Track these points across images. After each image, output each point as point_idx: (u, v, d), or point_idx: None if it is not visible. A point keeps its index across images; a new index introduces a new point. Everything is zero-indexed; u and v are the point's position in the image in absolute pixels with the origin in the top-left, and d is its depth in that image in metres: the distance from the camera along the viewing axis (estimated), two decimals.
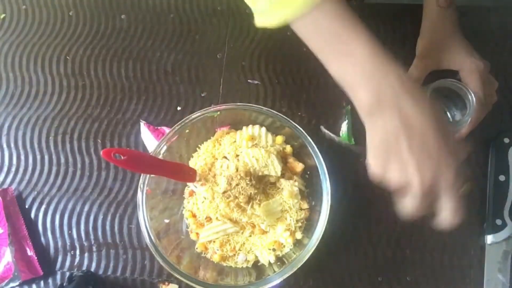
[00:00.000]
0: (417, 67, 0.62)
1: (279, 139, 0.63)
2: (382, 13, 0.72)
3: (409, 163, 0.42)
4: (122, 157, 0.49)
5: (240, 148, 0.62)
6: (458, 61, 0.59)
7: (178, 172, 0.59)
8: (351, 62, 0.43)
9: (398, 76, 0.42)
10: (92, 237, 0.65)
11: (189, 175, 0.60)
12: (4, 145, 0.69)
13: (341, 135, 0.67)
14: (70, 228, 0.65)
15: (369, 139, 0.45)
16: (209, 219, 0.61)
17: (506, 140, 0.64)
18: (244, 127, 0.63)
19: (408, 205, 0.44)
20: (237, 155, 0.62)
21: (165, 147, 0.61)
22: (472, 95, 0.56)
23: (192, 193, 0.64)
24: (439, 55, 0.60)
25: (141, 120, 0.69)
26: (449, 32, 0.60)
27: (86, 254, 0.64)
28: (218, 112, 0.62)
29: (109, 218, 0.66)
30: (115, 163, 0.49)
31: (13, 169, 0.68)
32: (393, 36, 0.70)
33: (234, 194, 0.58)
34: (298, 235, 0.60)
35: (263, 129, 0.62)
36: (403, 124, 0.42)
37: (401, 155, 0.42)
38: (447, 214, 0.43)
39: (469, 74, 0.58)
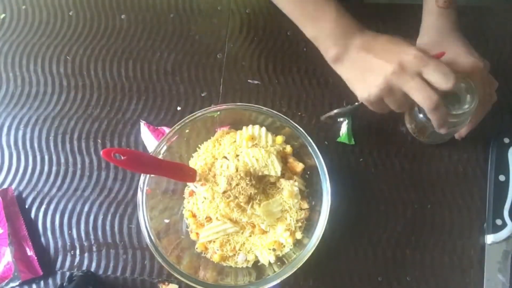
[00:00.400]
0: None
1: (279, 139, 0.63)
2: (382, 13, 0.72)
3: (377, 63, 0.50)
4: (122, 157, 0.49)
5: (240, 148, 0.62)
6: (458, 60, 0.59)
7: (178, 172, 0.59)
8: (322, 26, 0.54)
9: (358, 31, 0.53)
10: (92, 237, 0.65)
11: (189, 175, 0.60)
12: (4, 145, 0.69)
13: (341, 135, 0.67)
14: (70, 228, 0.65)
15: (345, 79, 0.55)
16: (209, 219, 0.61)
17: (506, 140, 0.64)
18: (244, 127, 0.63)
19: (407, 88, 0.49)
20: (237, 155, 0.62)
21: (165, 147, 0.61)
22: (474, 94, 0.55)
23: (192, 193, 0.63)
24: (434, 43, 0.60)
25: (141, 120, 0.69)
26: (448, 31, 0.60)
27: (86, 254, 0.64)
28: (218, 112, 0.62)
29: (109, 218, 0.66)
30: (115, 163, 0.49)
31: (13, 169, 0.68)
32: (393, 36, 0.70)
33: (234, 194, 0.58)
34: (298, 235, 0.60)
35: (263, 129, 0.62)
36: (364, 48, 0.52)
37: (371, 66, 0.51)
38: (437, 81, 0.48)
39: (468, 74, 0.58)
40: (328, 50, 0.54)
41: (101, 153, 0.55)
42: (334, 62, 0.55)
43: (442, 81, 0.48)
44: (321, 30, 0.54)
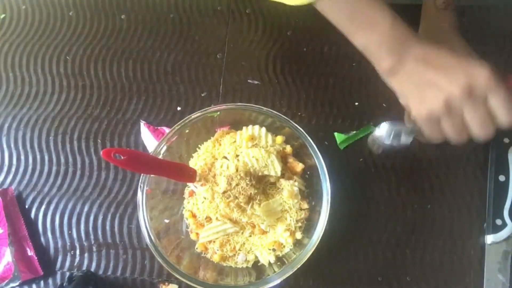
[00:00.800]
0: None
1: (279, 139, 0.63)
2: None
3: (440, 79, 0.44)
4: (122, 157, 0.49)
5: (240, 148, 0.62)
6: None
7: (178, 172, 0.59)
8: (375, 34, 0.48)
9: (416, 40, 0.47)
10: (92, 237, 0.65)
11: (189, 175, 0.60)
12: (4, 145, 0.69)
13: (342, 132, 0.67)
14: (70, 228, 0.65)
15: (399, 93, 0.49)
16: (209, 219, 0.61)
17: (506, 140, 0.64)
18: (244, 127, 0.63)
19: (468, 119, 0.45)
20: (237, 155, 0.62)
21: (165, 147, 0.61)
22: None
23: (192, 193, 0.63)
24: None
25: (141, 120, 0.69)
26: (446, 33, 0.60)
27: (86, 254, 0.64)
28: (218, 112, 0.62)
29: (109, 218, 0.66)
30: (115, 163, 0.49)
31: (13, 169, 0.68)
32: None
33: (234, 194, 0.58)
34: (298, 235, 0.60)
35: (263, 129, 0.62)
36: (422, 61, 0.46)
37: (431, 81, 0.45)
38: (503, 117, 0.43)
39: None
40: (381, 61, 0.48)
41: (101, 153, 0.56)
42: (388, 75, 0.49)
43: (507, 118, 0.43)
44: (373, 39, 0.48)
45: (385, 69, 0.49)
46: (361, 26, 0.49)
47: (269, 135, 0.62)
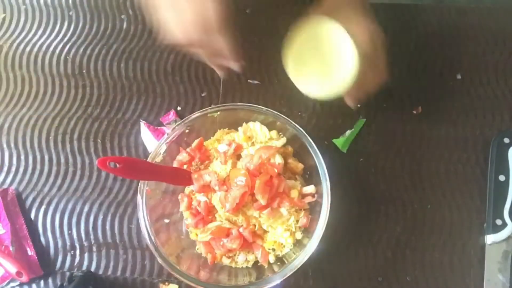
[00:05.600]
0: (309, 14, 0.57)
1: (274, 133, 0.63)
2: (382, 13, 0.72)
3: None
4: (118, 165, 0.49)
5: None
6: (348, 16, 0.55)
7: (174, 177, 0.59)
8: None
9: None
10: (92, 237, 0.65)
11: (185, 178, 0.60)
12: (4, 145, 0.69)
13: (339, 137, 0.67)
14: (70, 228, 0.65)
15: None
16: None
17: (506, 140, 0.64)
18: (239, 128, 0.63)
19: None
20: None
21: (165, 147, 0.61)
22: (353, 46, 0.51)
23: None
24: (331, 8, 0.56)
25: (141, 120, 0.69)
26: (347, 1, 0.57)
27: (86, 254, 0.64)
28: (218, 112, 0.62)
29: (109, 218, 0.66)
30: (111, 171, 0.49)
31: (13, 169, 0.68)
32: (392, 35, 0.70)
33: None
34: (298, 235, 0.60)
35: (257, 123, 0.62)
36: None
37: None
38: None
39: (356, 27, 0.54)
40: None
41: (99, 156, 0.55)
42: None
43: None
44: None
45: None
46: None
47: (264, 128, 0.62)
